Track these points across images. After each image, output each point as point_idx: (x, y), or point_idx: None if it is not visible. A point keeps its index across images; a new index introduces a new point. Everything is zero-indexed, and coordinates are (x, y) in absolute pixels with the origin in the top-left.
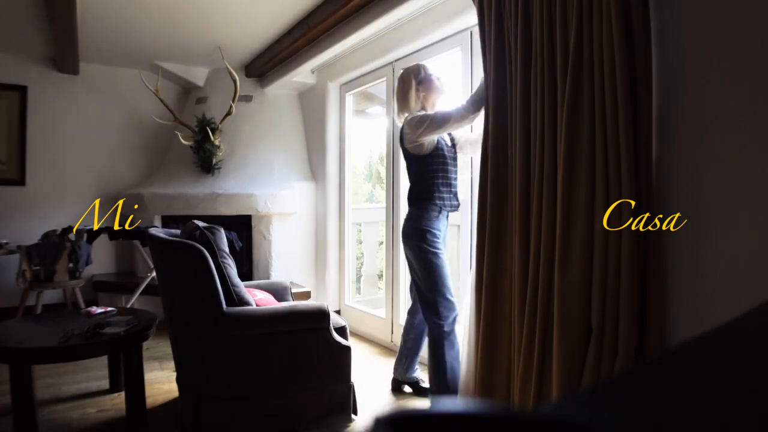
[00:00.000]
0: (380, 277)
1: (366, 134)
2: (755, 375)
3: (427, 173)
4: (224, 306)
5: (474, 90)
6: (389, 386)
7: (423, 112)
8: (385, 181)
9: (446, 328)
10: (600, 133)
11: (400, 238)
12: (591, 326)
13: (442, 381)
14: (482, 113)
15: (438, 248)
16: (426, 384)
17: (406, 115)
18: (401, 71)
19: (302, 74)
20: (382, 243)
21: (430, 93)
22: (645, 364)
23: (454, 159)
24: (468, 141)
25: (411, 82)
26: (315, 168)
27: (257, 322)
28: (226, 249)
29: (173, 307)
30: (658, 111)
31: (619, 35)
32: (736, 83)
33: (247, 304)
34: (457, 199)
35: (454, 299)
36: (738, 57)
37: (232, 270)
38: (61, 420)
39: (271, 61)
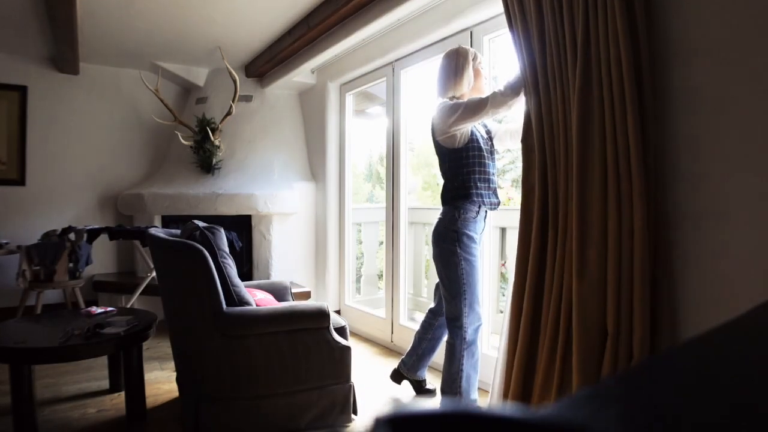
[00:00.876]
0: (380, 277)
1: (366, 134)
2: (754, 374)
3: (462, 168)
4: (224, 306)
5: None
6: (389, 383)
7: (455, 101)
8: (385, 181)
9: (468, 338)
10: (610, 133)
11: (400, 237)
12: (607, 329)
13: (456, 389)
14: (522, 98)
15: (473, 254)
16: (430, 386)
17: (446, 99)
18: (454, 47)
19: (302, 74)
20: (382, 243)
21: (476, 85)
22: (645, 364)
23: (491, 152)
24: (507, 131)
25: (468, 60)
26: (315, 168)
27: (257, 322)
28: (226, 249)
29: (173, 307)
30: (664, 110)
31: (624, 33)
32: (740, 81)
33: (247, 304)
34: (497, 196)
35: (480, 310)
36: (741, 55)
37: (232, 270)
38: (61, 420)
39: (271, 61)
